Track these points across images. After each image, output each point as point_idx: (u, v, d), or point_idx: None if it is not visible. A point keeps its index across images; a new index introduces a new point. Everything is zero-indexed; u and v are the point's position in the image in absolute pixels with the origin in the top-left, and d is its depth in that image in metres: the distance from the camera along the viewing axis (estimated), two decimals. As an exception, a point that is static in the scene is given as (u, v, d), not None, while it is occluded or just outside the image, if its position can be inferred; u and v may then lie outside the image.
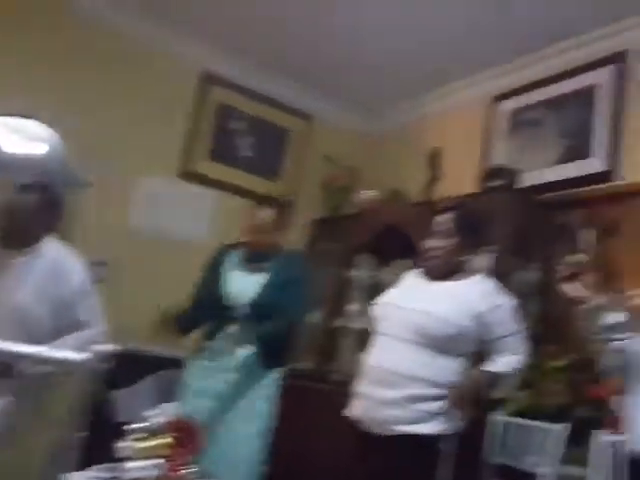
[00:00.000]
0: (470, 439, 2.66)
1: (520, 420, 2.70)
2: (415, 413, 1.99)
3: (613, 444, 1.96)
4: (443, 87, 3.85)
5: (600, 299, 1.75)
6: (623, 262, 2.81)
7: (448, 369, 2.03)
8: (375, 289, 3.31)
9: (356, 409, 2.09)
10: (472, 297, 2.06)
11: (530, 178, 3.18)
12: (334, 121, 4.31)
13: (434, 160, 3.62)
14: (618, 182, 2.90)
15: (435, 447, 2.00)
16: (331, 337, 3.74)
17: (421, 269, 2.24)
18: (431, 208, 3.41)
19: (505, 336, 2.04)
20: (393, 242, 3.53)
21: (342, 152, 4.11)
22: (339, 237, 3.90)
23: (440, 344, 2.02)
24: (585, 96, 3.11)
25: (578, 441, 2.45)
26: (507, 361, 2.04)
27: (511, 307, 2.09)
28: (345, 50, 3.66)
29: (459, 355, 2.06)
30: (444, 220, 2.20)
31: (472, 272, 2.20)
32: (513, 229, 3.06)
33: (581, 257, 1.78)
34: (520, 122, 3.43)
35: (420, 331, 2.02)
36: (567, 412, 2.57)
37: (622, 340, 1.73)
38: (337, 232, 3.94)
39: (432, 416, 2.01)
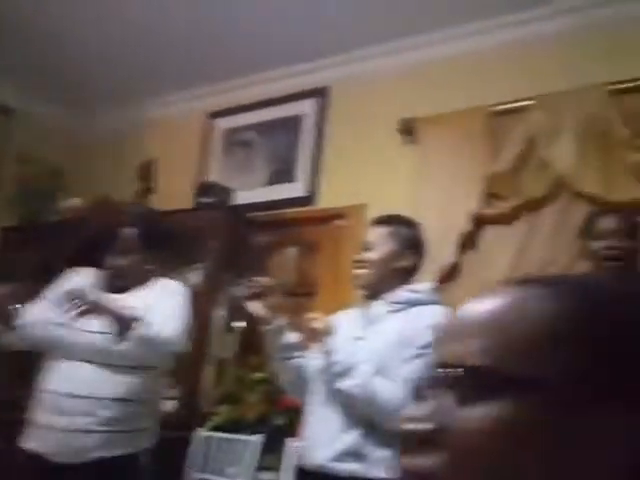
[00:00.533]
0: (173, 456, 2.62)
1: (221, 434, 2.74)
2: (105, 435, 1.86)
3: (297, 449, 2.07)
4: (162, 96, 3.75)
5: (280, 320, 1.83)
6: (321, 278, 3.08)
7: (131, 384, 1.99)
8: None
9: (37, 440, 1.87)
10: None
11: (242, 197, 3.26)
12: (40, 118, 3.88)
13: (147, 171, 3.49)
14: (319, 207, 3.14)
15: (133, 466, 1.92)
16: None
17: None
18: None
19: None
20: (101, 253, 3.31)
21: (46, 152, 3.72)
22: (36, 246, 3.50)
23: (116, 360, 1.99)
24: (292, 124, 3.32)
25: (274, 449, 2.58)
26: None
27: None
28: (55, 46, 3.34)
29: (141, 369, 2.03)
30: (127, 235, 2.23)
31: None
32: (223, 246, 3.11)
33: (266, 279, 1.86)
34: (234, 142, 3.51)
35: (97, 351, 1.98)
36: (265, 422, 2.68)
37: (296, 358, 1.84)
38: (34, 241, 3.53)
39: (124, 436, 1.91)
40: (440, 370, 0.49)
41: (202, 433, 2.77)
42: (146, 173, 3.50)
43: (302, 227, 3.19)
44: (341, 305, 2.85)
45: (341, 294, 2.90)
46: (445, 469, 0.46)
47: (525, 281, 0.51)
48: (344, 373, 1.67)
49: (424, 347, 1.66)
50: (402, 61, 3.02)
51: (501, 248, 2.54)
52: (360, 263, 1.88)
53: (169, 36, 3.21)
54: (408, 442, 0.49)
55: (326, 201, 3.12)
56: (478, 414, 0.45)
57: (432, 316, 1.72)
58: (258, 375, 2.80)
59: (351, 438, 1.65)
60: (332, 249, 3.07)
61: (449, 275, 2.60)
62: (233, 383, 2.93)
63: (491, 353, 0.47)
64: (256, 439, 2.59)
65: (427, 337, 1.66)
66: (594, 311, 0.47)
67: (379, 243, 1.87)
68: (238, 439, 2.66)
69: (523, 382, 0.45)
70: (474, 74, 2.81)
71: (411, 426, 0.48)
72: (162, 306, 2.07)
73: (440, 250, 2.61)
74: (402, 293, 1.81)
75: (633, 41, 2.49)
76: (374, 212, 2.90)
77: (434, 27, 2.87)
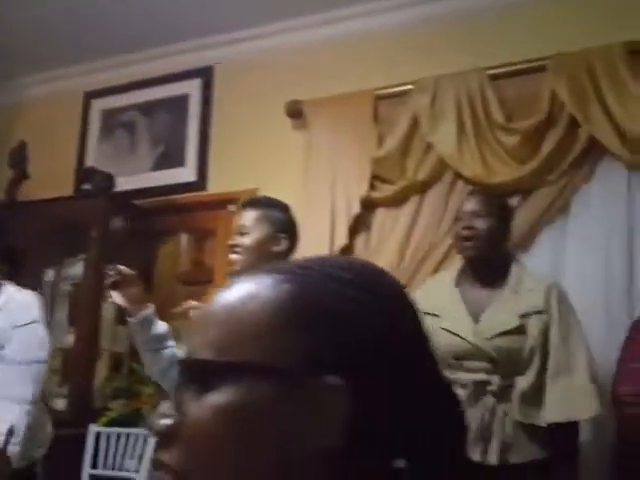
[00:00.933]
0: (69, 454, 2.51)
1: (117, 429, 2.66)
2: None
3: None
4: (35, 75, 3.44)
5: (147, 310, 1.70)
6: (216, 265, 3.01)
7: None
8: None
9: None
10: None
11: (126, 183, 3.09)
12: None
13: (20, 156, 3.22)
14: (210, 192, 3.04)
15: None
16: None
17: None
18: (15, 210, 3.07)
19: None
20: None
21: None
22: None
23: None
24: (177, 105, 3.16)
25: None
26: None
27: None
28: None
29: None
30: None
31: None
32: (106, 235, 2.95)
33: (124, 268, 1.71)
34: (114, 124, 3.31)
35: None
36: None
37: (169, 348, 1.73)
38: None
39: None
40: (180, 363, 0.52)
41: (96, 429, 2.68)
42: (19, 158, 3.22)
43: (194, 213, 3.08)
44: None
45: (236, 280, 2.86)
46: (183, 461, 0.47)
47: (266, 270, 0.54)
48: None
49: None
50: (289, 42, 2.95)
51: (391, 230, 2.59)
52: (234, 248, 1.82)
53: (42, 10, 2.94)
54: (157, 439, 0.50)
55: (217, 186, 3.03)
56: (207, 404, 0.47)
57: None
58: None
59: None
60: (226, 235, 2.99)
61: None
62: (127, 377, 2.83)
63: (216, 344, 0.49)
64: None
65: None
66: (312, 296, 0.50)
67: (252, 227, 1.81)
68: (136, 433, 2.60)
69: (248, 369, 0.47)
70: (361, 57, 2.80)
71: (157, 423, 0.50)
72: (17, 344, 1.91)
73: (332, 233, 2.63)
74: None
75: (510, 26, 2.59)
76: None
77: (321, 8, 2.82)
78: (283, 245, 1.82)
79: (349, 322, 0.49)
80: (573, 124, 2.34)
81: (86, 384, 2.87)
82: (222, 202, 3.01)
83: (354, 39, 2.83)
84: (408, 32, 2.74)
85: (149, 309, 1.71)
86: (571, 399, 1.78)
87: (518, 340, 1.80)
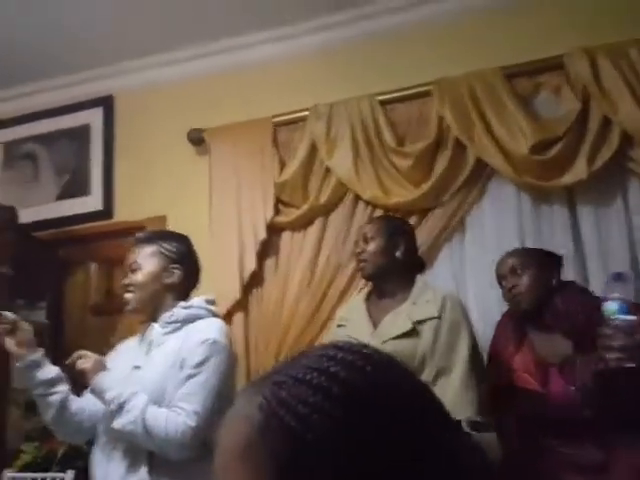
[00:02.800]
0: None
1: (30, 474, 2.51)
2: None
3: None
4: None
5: (35, 355, 1.65)
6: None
7: None
8: None
9: None
10: None
11: (30, 214, 2.94)
12: None
13: None
14: (116, 220, 2.93)
15: None
16: None
17: None
18: None
19: None
20: None
21: None
22: None
23: None
24: (79, 134, 3.03)
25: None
26: None
27: None
28: None
29: None
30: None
31: None
32: (12, 269, 2.80)
33: (10, 314, 1.67)
34: (16, 155, 3.13)
35: None
36: (77, 456, 2.49)
37: (57, 394, 1.67)
38: None
39: None
40: None
41: (9, 474, 2.53)
42: None
43: (102, 242, 2.96)
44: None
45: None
46: None
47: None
48: (117, 411, 1.54)
49: (198, 365, 1.57)
50: (188, 70, 2.88)
51: (298, 253, 2.57)
52: (127, 287, 1.74)
53: None
54: None
55: (124, 214, 2.92)
56: None
57: (205, 330, 1.63)
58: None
59: (138, 478, 1.55)
60: (135, 262, 2.90)
61: (252, 283, 2.58)
62: (39, 417, 2.68)
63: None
64: (67, 476, 2.41)
65: (200, 354, 1.58)
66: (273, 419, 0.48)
67: (143, 263, 1.74)
68: (48, 477, 2.46)
69: None
70: (259, 85, 2.76)
71: None
72: None
73: (241, 258, 2.58)
74: (174, 310, 1.69)
75: (399, 53, 2.60)
76: (174, 223, 2.79)
77: (218, 37, 2.76)
78: (176, 277, 1.74)
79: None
80: (461, 146, 2.38)
81: (-1, 426, 2.71)
82: (129, 230, 2.87)
83: (252, 67, 2.78)
84: (304, 60, 2.72)
85: (36, 353, 1.64)
86: (447, 400, 1.79)
87: (411, 344, 1.82)
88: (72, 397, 1.70)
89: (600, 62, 2.25)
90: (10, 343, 1.64)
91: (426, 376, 1.78)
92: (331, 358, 0.51)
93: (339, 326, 2.02)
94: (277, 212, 2.60)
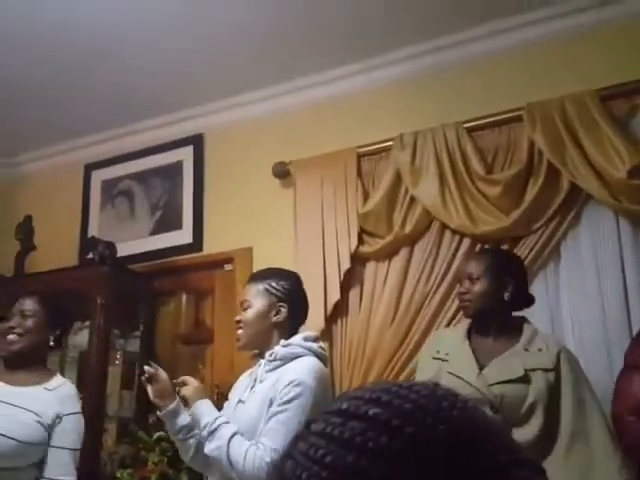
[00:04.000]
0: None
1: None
2: None
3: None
4: (36, 151, 3.44)
5: (173, 404, 1.75)
6: (216, 325, 2.93)
7: None
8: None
9: None
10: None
11: (127, 248, 3.05)
12: None
13: (26, 229, 3.20)
14: (206, 252, 2.98)
15: None
16: None
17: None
18: (23, 282, 3.04)
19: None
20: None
21: None
22: None
23: None
24: (171, 172, 3.13)
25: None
26: None
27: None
28: None
29: None
30: (29, 302, 2.02)
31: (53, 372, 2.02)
32: (109, 301, 2.89)
33: (149, 368, 1.80)
34: (114, 193, 3.27)
35: None
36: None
37: (192, 438, 1.76)
38: None
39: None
40: None
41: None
42: (25, 231, 3.20)
43: (192, 274, 3.02)
44: (237, 351, 2.75)
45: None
46: None
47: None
48: (208, 437, 1.62)
49: (283, 403, 1.58)
50: (273, 107, 2.92)
51: (383, 283, 2.50)
52: (238, 324, 1.80)
53: (40, 90, 2.94)
54: None
55: (212, 247, 2.96)
56: None
57: (295, 370, 1.64)
58: (157, 434, 2.61)
59: None
60: (224, 294, 2.92)
61: (336, 314, 2.53)
62: (133, 444, 2.72)
63: None
64: (159, 504, 2.42)
65: (287, 394, 1.59)
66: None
67: (253, 300, 1.79)
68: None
69: None
70: (343, 117, 2.75)
71: None
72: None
73: (325, 289, 2.54)
74: (276, 348, 1.72)
75: (485, 79, 2.53)
76: (260, 255, 2.80)
77: (300, 74, 2.79)
78: (282, 314, 1.78)
79: None
80: (554, 171, 2.25)
81: (94, 452, 2.76)
82: (218, 262, 2.95)
83: (336, 100, 2.78)
84: (387, 90, 2.69)
85: (174, 403, 1.74)
86: (589, 466, 1.67)
87: (520, 391, 1.73)
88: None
89: None
90: (151, 392, 1.76)
91: (540, 427, 1.69)
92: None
93: (437, 358, 1.88)
94: (361, 242, 2.55)
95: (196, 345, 2.96)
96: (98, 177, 3.31)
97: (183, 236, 3.04)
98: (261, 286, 1.80)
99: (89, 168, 3.33)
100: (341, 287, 2.51)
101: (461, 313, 2.22)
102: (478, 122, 2.41)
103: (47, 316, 2.00)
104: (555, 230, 2.28)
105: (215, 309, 2.97)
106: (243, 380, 1.84)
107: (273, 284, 1.80)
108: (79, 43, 2.62)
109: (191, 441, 1.75)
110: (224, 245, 2.91)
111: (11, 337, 1.94)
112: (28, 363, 1.94)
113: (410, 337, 2.38)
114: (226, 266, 2.94)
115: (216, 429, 1.61)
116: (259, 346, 1.78)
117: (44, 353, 2.01)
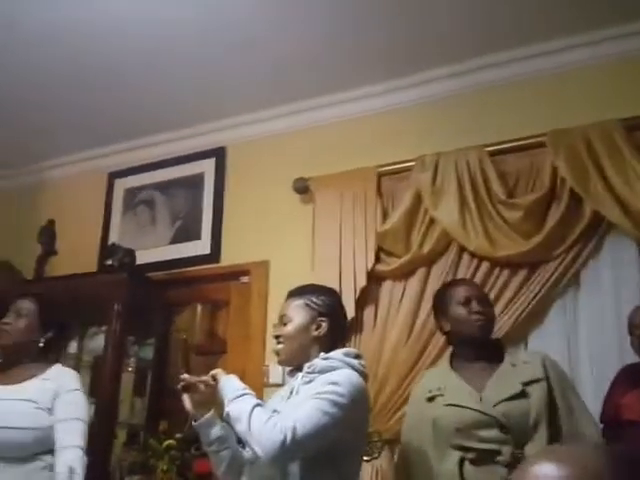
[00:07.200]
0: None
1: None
2: None
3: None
4: (62, 157, 3.42)
5: (208, 414, 1.68)
6: (230, 336, 2.87)
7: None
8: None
9: None
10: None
11: (146, 256, 3.01)
12: None
13: (48, 234, 3.17)
14: (223, 264, 2.92)
15: None
16: None
17: None
18: (42, 285, 3.00)
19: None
20: None
21: None
22: None
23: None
24: (193, 183, 3.10)
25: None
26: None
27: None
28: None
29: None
30: (25, 302, 2.05)
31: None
32: (126, 308, 2.84)
33: (187, 375, 1.72)
34: (136, 201, 3.24)
35: None
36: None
37: (226, 449, 1.69)
38: None
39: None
40: None
41: (113, 506, 2.50)
42: (47, 236, 3.18)
43: (208, 285, 2.96)
44: (249, 362, 2.70)
45: (251, 351, 2.71)
46: None
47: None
48: (233, 399, 1.56)
49: (319, 393, 1.51)
50: (295, 123, 2.88)
51: (399, 303, 2.42)
52: (278, 338, 1.74)
53: (67, 98, 2.92)
54: None
55: (230, 258, 2.91)
56: None
57: (339, 374, 1.57)
58: (167, 442, 2.55)
59: None
60: (239, 306, 2.87)
61: (350, 331, 2.45)
62: (143, 451, 2.66)
63: None
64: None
65: (325, 386, 1.52)
66: None
67: (293, 315, 1.73)
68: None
69: None
70: (364, 136, 2.70)
71: None
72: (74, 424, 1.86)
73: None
74: (315, 361, 1.65)
75: (508, 104, 2.47)
76: (276, 268, 2.75)
77: (323, 91, 2.76)
78: (323, 329, 1.71)
79: None
80: (576, 198, 2.18)
81: (104, 458, 2.70)
82: (235, 274, 2.89)
83: (358, 119, 2.75)
84: (409, 111, 2.64)
85: (209, 413, 1.67)
86: None
87: (522, 405, 1.70)
88: (238, 449, 1.72)
89: None
90: (186, 401, 1.68)
91: (545, 440, 1.65)
92: None
93: (431, 398, 1.81)
94: (378, 260, 2.48)
95: (209, 356, 2.90)
96: (121, 185, 3.28)
97: (201, 246, 2.99)
98: (301, 301, 1.74)
99: (113, 176, 3.31)
100: (356, 304, 2.44)
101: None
102: (500, 146, 2.34)
103: (40, 318, 2.02)
104: (575, 258, 2.20)
105: (230, 321, 2.90)
106: (278, 394, 1.78)
107: (313, 299, 1.75)
108: (109, 53, 2.60)
109: (224, 453, 1.67)
110: (241, 257, 2.85)
111: (2, 329, 1.97)
112: (20, 361, 1.96)
113: (424, 358, 2.30)
114: (242, 278, 2.89)
115: (244, 394, 1.56)
116: (299, 361, 1.71)
117: (33, 352, 2.00)
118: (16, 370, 1.95)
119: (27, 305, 2.03)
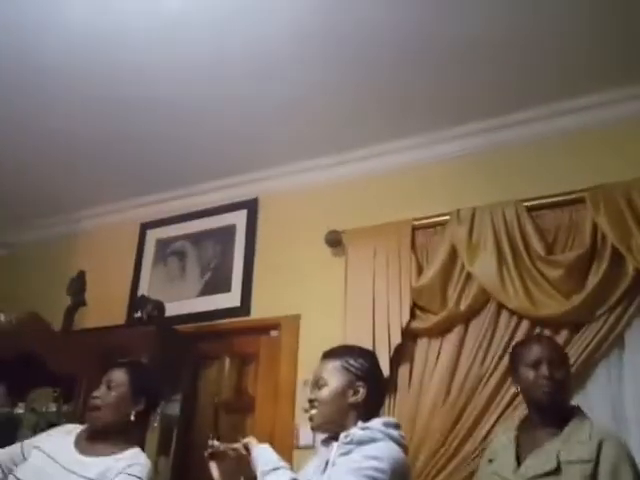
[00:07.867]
0: None
1: None
2: None
3: None
4: (94, 208, 3.47)
5: None
6: (258, 391, 2.79)
7: None
8: (12, 427, 2.71)
9: None
10: None
11: (175, 308, 2.98)
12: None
13: (79, 284, 3.16)
14: (253, 317, 2.88)
15: None
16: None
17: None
18: (70, 337, 2.97)
19: None
20: (28, 372, 2.92)
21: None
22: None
23: None
24: (224, 234, 3.10)
25: None
26: None
27: None
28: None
29: None
30: (117, 373, 1.90)
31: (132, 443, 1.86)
32: (154, 361, 2.79)
33: (217, 443, 1.60)
34: (167, 252, 3.25)
35: None
36: None
37: None
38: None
39: None
40: None
41: None
42: (77, 287, 3.16)
43: (237, 338, 2.91)
44: (278, 421, 2.60)
45: (280, 410, 2.63)
46: None
47: None
48: (268, 472, 1.46)
49: (358, 462, 1.42)
50: (328, 176, 2.89)
51: (435, 362, 2.34)
52: (312, 402, 1.63)
53: (102, 148, 2.98)
54: None
55: (260, 311, 2.87)
56: None
57: (377, 448, 1.46)
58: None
59: None
60: (268, 360, 2.80)
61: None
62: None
63: None
64: None
65: (363, 461, 1.42)
66: None
67: (329, 378, 1.62)
68: None
69: None
70: (398, 189, 2.70)
71: None
72: None
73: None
74: (352, 431, 1.53)
75: (545, 159, 2.45)
76: (307, 323, 2.69)
77: (357, 145, 2.77)
78: (360, 394, 1.60)
79: None
80: (618, 255, 2.11)
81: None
82: (265, 327, 2.84)
83: (392, 172, 2.74)
84: (444, 165, 2.64)
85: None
86: None
87: None
88: None
89: None
90: (214, 470, 1.58)
91: None
92: None
93: (490, 461, 1.76)
94: (413, 317, 2.42)
95: (236, 414, 2.81)
96: (153, 236, 3.29)
97: (231, 299, 2.96)
98: (338, 363, 1.64)
99: (145, 227, 3.33)
100: (391, 363, 2.37)
101: (518, 399, 2.07)
102: (538, 201, 2.31)
103: (132, 389, 1.86)
104: (619, 317, 2.12)
105: (258, 376, 2.83)
106: (312, 463, 1.66)
107: (351, 361, 1.64)
108: (145, 106, 2.64)
109: None
110: (272, 311, 2.81)
111: (92, 404, 1.84)
112: (108, 436, 1.81)
113: (463, 421, 2.20)
114: (272, 332, 2.84)
115: (279, 468, 1.46)
116: (334, 428, 1.59)
117: (125, 426, 1.85)
118: (99, 444, 1.81)
119: (118, 375, 1.88)
